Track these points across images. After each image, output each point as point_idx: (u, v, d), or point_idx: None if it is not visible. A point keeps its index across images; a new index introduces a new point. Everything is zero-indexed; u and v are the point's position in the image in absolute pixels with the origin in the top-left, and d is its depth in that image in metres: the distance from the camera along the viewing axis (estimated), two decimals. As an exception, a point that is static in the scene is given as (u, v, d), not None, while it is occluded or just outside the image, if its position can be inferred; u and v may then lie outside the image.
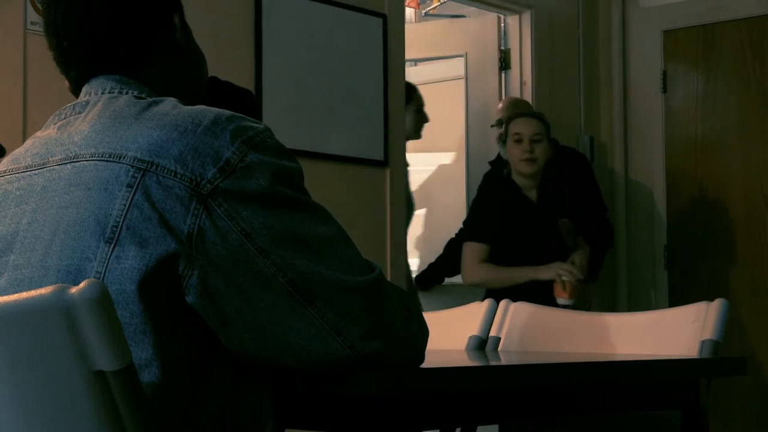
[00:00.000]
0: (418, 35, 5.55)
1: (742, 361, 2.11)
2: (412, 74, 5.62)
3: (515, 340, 2.64)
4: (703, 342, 2.31)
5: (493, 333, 2.66)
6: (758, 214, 5.23)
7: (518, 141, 4.39)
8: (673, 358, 2.15)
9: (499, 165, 4.81)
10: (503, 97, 5.41)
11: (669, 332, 2.46)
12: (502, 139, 4.75)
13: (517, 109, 4.93)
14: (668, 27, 5.54)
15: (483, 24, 5.53)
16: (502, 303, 2.71)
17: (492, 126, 5.04)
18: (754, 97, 5.27)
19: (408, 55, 4.75)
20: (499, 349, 2.64)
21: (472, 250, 4.44)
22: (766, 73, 5.23)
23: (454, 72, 5.72)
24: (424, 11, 6.47)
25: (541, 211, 4.47)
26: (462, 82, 5.59)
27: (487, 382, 1.70)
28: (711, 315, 2.35)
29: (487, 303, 2.70)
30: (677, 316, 2.47)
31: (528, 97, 5.37)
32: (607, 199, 5.65)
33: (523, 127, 4.42)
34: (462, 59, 5.55)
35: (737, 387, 5.11)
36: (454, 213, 5.36)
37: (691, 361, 2.11)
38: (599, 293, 5.48)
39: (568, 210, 4.56)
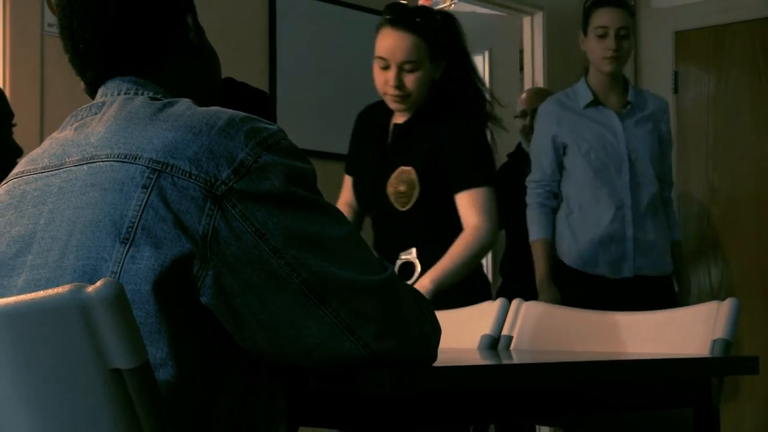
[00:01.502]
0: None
1: (754, 361, 2.10)
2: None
3: (527, 339, 2.64)
4: (714, 341, 2.30)
5: (505, 332, 2.66)
6: (769, 216, 5.23)
7: (602, 36, 3.87)
8: (684, 357, 2.14)
9: (518, 157, 4.79)
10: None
11: (680, 331, 2.45)
12: (525, 131, 4.70)
13: (542, 98, 4.73)
14: (679, 28, 5.53)
15: (507, 22, 5.48)
16: (515, 302, 2.71)
17: (516, 117, 4.94)
18: (764, 96, 5.25)
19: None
20: (511, 348, 2.63)
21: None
22: (777, 74, 5.23)
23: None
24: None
25: None
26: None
27: (500, 380, 1.69)
28: (722, 314, 2.34)
29: (499, 302, 2.70)
30: (688, 316, 2.46)
31: (540, 97, 5.36)
32: (618, 199, 5.64)
33: (608, 18, 3.88)
34: (481, 57, 5.50)
35: (747, 387, 5.09)
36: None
37: (703, 360, 2.10)
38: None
39: None
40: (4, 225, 1.49)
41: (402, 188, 3.14)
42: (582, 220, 4.01)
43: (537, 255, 4.05)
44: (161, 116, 1.45)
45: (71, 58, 1.59)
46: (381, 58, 3.09)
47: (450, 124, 3.15)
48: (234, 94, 1.72)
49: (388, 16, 3.12)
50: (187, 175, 1.38)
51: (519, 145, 4.90)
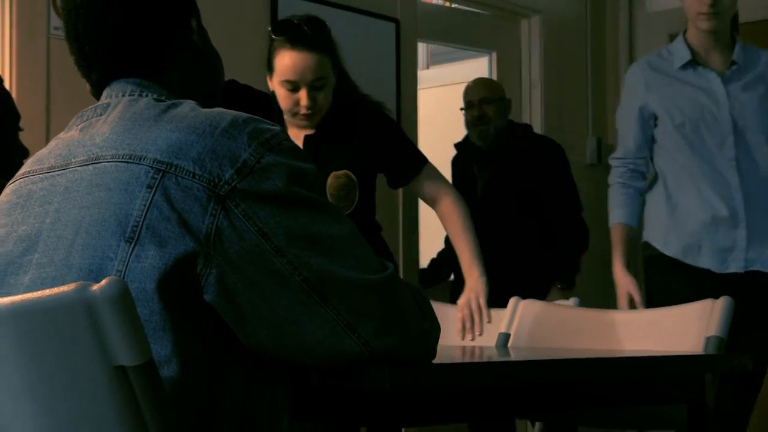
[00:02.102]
0: (447, 20, 5.35)
1: (747, 357, 2.10)
2: (432, 76, 5.60)
3: (524, 337, 2.64)
4: (708, 338, 2.31)
5: (502, 329, 2.67)
6: None
7: None
8: (678, 354, 2.14)
9: (465, 148, 4.59)
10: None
11: (675, 329, 2.45)
12: (473, 124, 4.43)
13: (489, 90, 4.53)
14: (674, 30, 5.51)
15: (513, 22, 5.45)
16: (512, 300, 2.72)
17: (461, 109, 4.59)
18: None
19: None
20: (509, 345, 2.64)
21: None
22: None
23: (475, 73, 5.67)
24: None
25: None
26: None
27: (499, 377, 1.69)
28: (716, 312, 2.35)
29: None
30: (683, 314, 2.46)
31: (537, 99, 5.35)
32: (614, 198, 5.63)
33: None
34: (486, 58, 5.48)
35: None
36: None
37: (697, 357, 2.10)
38: (602, 290, 5.46)
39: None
40: (11, 224, 1.49)
41: (342, 192, 3.08)
42: (679, 204, 3.41)
43: (614, 242, 3.54)
44: (165, 117, 1.45)
45: (77, 60, 1.59)
46: (288, 81, 2.98)
47: (368, 124, 3.10)
48: (237, 95, 1.73)
49: (282, 37, 2.99)
50: (191, 175, 1.38)
51: (466, 138, 4.63)
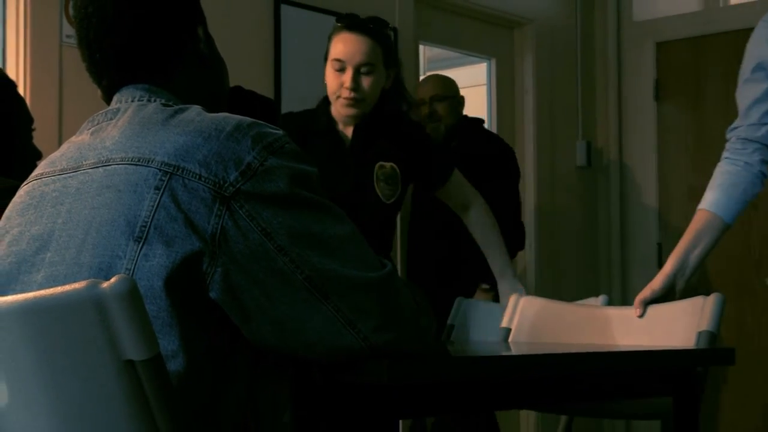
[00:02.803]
0: (445, 28, 5.28)
1: (730, 352, 2.10)
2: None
3: (525, 332, 2.64)
4: (699, 333, 2.31)
5: (504, 324, 2.68)
6: (744, 214, 5.18)
7: None
8: (665, 348, 2.14)
9: None
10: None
11: (669, 324, 2.45)
12: (423, 121, 4.22)
13: (441, 88, 4.34)
14: (661, 39, 5.53)
15: (508, 30, 5.44)
16: (513, 297, 2.73)
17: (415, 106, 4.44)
18: (740, 104, 5.24)
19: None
20: (509, 339, 2.64)
21: None
22: (752, 82, 5.20)
23: (473, 80, 5.65)
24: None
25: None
26: (483, 89, 5.50)
27: (494, 371, 1.69)
28: (707, 308, 2.35)
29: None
30: (676, 310, 2.46)
31: (530, 104, 5.35)
32: (602, 200, 5.65)
33: None
34: (483, 65, 5.46)
35: (723, 379, 5.10)
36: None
37: (682, 351, 2.10)
38: (595, 288, 5.47)
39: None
40: (24, 224, 1.49)
41: (390, 181, 3.08)
42: None
43: (686, 231, 2.74)
44: (173, 122, 1.45)
45: (88, 67, 1.59)
46: (337, 60, 2.96)
47: (411, 128, 3.17)
48: (241, 101, 1.72)
49: (342, 23, 3.02)
50: (197, 177, 1.37)
51: None
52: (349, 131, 3.08)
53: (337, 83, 2.97)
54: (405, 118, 3.17)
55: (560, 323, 2.66)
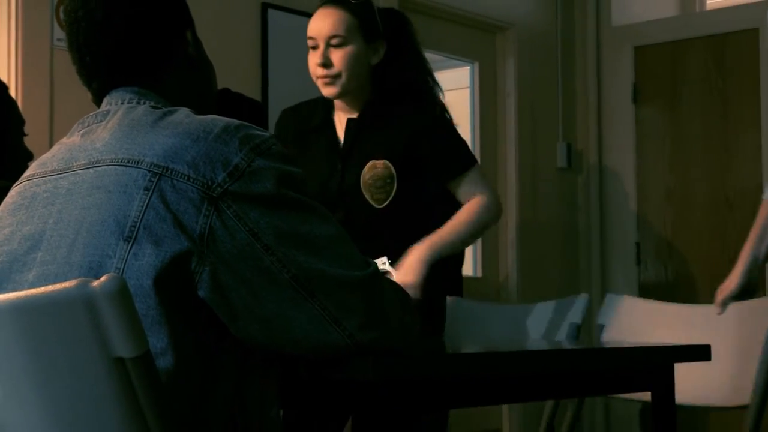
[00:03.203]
0: (430, 32, 5.18)
1: (706, 348, 2.11)
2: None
3: (618, 329, 2.70)
4: None
5: (600, 321, 2.72)
6: (720, 214, 5.24)
7: None
8: (645, 345, 2.14)
9: None
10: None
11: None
12: None
13: None
14: (638, 44, 5.54)
15: (490, 35, 5.43)
16: (608, 296, 2.80)
17: None
18: (716, 107, 5.27)
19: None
20: (602, 337, 2.68)
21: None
22: (728, 86, 5.23)
23: (457, 83, 5.64)
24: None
25: None
26: (466, 92, 5.49)
27: (476, 368, 1.69)
28: None
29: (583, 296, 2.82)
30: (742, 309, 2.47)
31: (512, 107, 5.35)
32: (582, 200, 5.66)
33: None
34: (468, 68, 5.46)
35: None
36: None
37: (660, 348, 2.10)
38: (575, 286, 5.48)
39: None
40: (16, 224, 1.48)
41: (378, 183, 2.69)
42: None
43: (755, 223, 2.61)
44: (162, 124, 1.44)
45: (78, 70, 1.58)
46: (310, 38, 2.66)
47: (419, 113, 2.73)
48: (229, 103, 1.72)
49: (320, 1, 2.72)
50: (186, 178, 1.37)
51: None
52: (343, 124, 2.76)
53: (312, 63, 2.68)
54: (411, 100, 2.74)
55: (649, 320, 2.66)
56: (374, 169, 2.70)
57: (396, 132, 2.70)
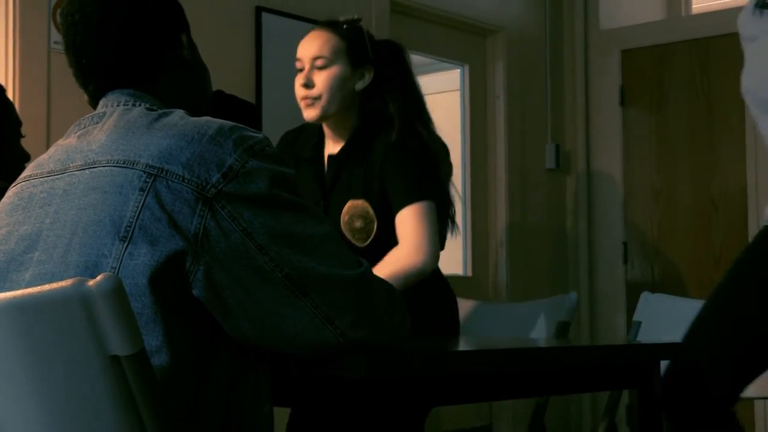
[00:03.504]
0: (421, 32, 5.20)
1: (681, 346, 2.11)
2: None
3: (653, 327, 2.72)
4: None
5: (637, 318, 2.77)
6: (706, 214, 5.25)
7: None
8: (634, 343, 2.15)
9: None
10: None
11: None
12: None
13: None
14: (626, 47, 5.55)
15: (480, 38, 5.44)
16: (643, 294, 2.79)
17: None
18: (701, 109, 5.28)
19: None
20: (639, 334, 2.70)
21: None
22: (713, 88, 5.24)
23: (447, 86, 5.64)
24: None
25: None
26: (456, 94, 5.49)
27: (466, 365, 1.69)
28: None
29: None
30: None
31: (502, 109, 5.35)
32: (570, 200, 5.66)
33: None
34: (458, 71, 5.46)
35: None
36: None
37: (645, 345, 2.11)
38: (564, 285, 5.49)
39: None
40: (13, 224, 1.48)
41: (358, 224, 2.51)
42: None
43: None
44: (157, 125, 1.44)
45: (75, 73, 1.58)
46: (297, 59, 2.55)
47: (388, 144, 2.51)
48: (223, 105, 1.71)
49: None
50: (181, 179, 1.37)
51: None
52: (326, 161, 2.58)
53: (297, 85, 2.56)
54: (385, 135, 2.53)
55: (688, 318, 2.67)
56: (353, 209, 2.54)
57: (372, 168, 2.53)
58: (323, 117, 2.54)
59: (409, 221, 2.45)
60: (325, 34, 2.53)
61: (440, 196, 2.59)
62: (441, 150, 3.96)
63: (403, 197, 2.48)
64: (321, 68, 2.51)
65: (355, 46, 2.54)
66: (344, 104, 2.54)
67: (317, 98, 2.51)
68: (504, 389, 1.81)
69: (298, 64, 2.56)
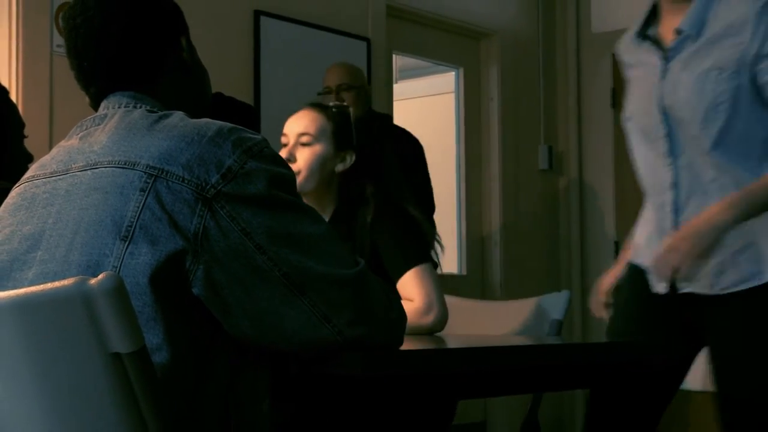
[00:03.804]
0: (416, 36, 5.22)
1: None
2: (399, 90, 5.57)
3: None
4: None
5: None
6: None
7: None
8: (621, 341, 2.15)
9: None
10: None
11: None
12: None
13: (349, 76, 3.89)
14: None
15: (474, 41, 5.44)
16: None
17: (319, 94, 3.92)
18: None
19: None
20: None
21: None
22: (703, 91, 5.24)
23: (442, 88, 5.65)
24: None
25: None
26: (451, 97, 5.49)
27: (461, 363, 1.69)
28: None
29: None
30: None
31: (495, 111, 5.36)
32: (563, 200, 5.67)
33: None
34: (453, 73, 5.47)
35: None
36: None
37: (637, 343, 2.11)
38: (556, 284, 5.49)
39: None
40: (16, 224, 1.48)
41: None
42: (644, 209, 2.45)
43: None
44: (157, 127, 1.44)
45: (77, 75, 1.58)
46: (283, 134, 2.59)
47: (374, 218, 2.53)
48: (222, 107, 1.71)
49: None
50: (181, 179, 1.37)
51: None
52: None
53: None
54: (372, 207, 2.54)
55: None
56: None
57: (359, 233, 2.54)
58: (300, 192, 2.43)
59: (413, 284, 2.48)
60: (313, 114, 2.58)
61: (430, 235, 2.63)
62: (417, 155, 3.92)
63: (401, 266, 2.50)
64: (305, 145, 2.54)
65: (340, 129, 2.57)
66: (322, 183, 2.56)
67: (296, 173, 2.45)
68: (499, 386, 1.81)
69: (283, 139, 2.58)
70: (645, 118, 2.32)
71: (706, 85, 2.16)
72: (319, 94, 3.90)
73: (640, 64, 2.37)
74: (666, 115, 2.25)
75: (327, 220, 2.52)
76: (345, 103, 2.64)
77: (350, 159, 2.57)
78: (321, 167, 2.54)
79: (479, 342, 2.19)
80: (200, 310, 1.38)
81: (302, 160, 2.53)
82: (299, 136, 2.54)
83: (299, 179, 2.49)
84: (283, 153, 2.54)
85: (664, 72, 2.25)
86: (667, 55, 2.25)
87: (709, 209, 2.11)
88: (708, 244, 2.06)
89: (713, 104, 2.15)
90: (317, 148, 2.54)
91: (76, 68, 1.57)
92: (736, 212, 2.07)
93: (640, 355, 2.05)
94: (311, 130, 2.54)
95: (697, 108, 2.17)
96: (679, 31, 2.23)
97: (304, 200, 2.39)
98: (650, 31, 2.35)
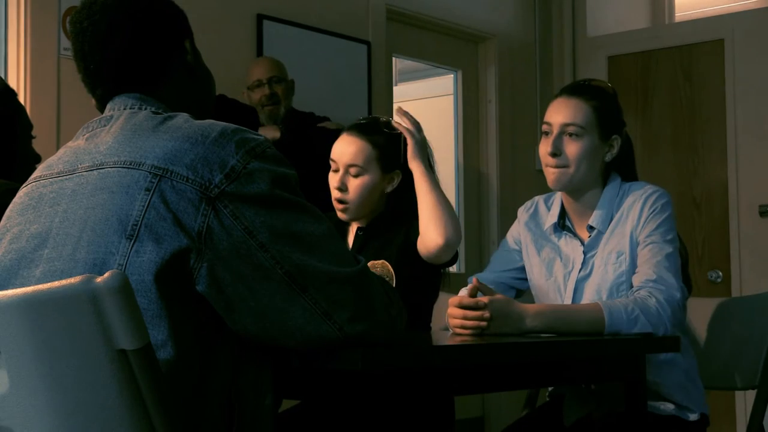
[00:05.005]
0: (416, 39, 5.20)
1: (676, 340, 2.11)
2: (399, 92, 5.57)
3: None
4: None
5: None
6: (688, 215, 5.25)
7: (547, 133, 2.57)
8: (620, 337, 2.15)
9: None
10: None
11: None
12: (263, 103, 3.74)
13: (278, 70, 3.86)
14: (612, 53, 5.56)
15: (473, 44, 5.45)
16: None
17: (248, 89, 3.83)
18: (684, 113, 5.28)
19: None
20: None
21: None
22: (695, 93, 5.25)
23: (441, 90, 5.65)
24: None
25: None
26: (450, 99, 5.49)
27: (459, 359, 1.69)
28: None
29: None
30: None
31: (493, 112, 5.36)
32: (559, 200, 5.66)
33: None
34: (451, 76, 5.47)
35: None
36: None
37: (633, 340, 2.11)
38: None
39: None
40: (24, 223, 1.48)
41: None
42: None
43: None
44: (162, 128, 1.44)
45: (83, 78, 1.58)
46: (332, 160, 2.60)
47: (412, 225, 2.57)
48: (226, 109, 1.72)
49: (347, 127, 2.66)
50: (185, 179, 1.37)
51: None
52: (352, 233, 2.67)
53: (332, 186, 2.60)
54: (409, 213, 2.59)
55: None
56: (373, 269, 2.44)
57: (396, 239, 2.59)
58: (354, 219, 2.62)
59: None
60: (359, 142, 2.57)
61: None
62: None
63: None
64: (354, 175, 2.56)
65: (387, 153, 2.58)
66: (373, 206, 2.61)
67: (347, 202, 2.56)
68: (497, 381, 1.81)
69: (333, 165, 2.60)
70: None
71: None
72: (248, 87, 3.84)
73: (551, 253, 2.55)
74: None
75: (368, 222, 2.60)
76: (377, 120, 2.61)
77: (397, 179, 2.60)
78: (371, 195, 2.57)
79: (478, 339, 2.19)
80: (204, 308, 1.38)
81: (353, 192, 2.55)
82: (348, 167, 2.56)
83: (351, 208, 2.55)
84: (334, 181, 2.57)
85: None
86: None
87: (527, 308, 2.12)
88: (502, 328, 2.07)
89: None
90: (366, 179, 2.56)
91: (82, 71, 1.57)
92: (543, 323, 2.08)
93: (637, 351, 2.05)
94: (359, 161, 2.55)
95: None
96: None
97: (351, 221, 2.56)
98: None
